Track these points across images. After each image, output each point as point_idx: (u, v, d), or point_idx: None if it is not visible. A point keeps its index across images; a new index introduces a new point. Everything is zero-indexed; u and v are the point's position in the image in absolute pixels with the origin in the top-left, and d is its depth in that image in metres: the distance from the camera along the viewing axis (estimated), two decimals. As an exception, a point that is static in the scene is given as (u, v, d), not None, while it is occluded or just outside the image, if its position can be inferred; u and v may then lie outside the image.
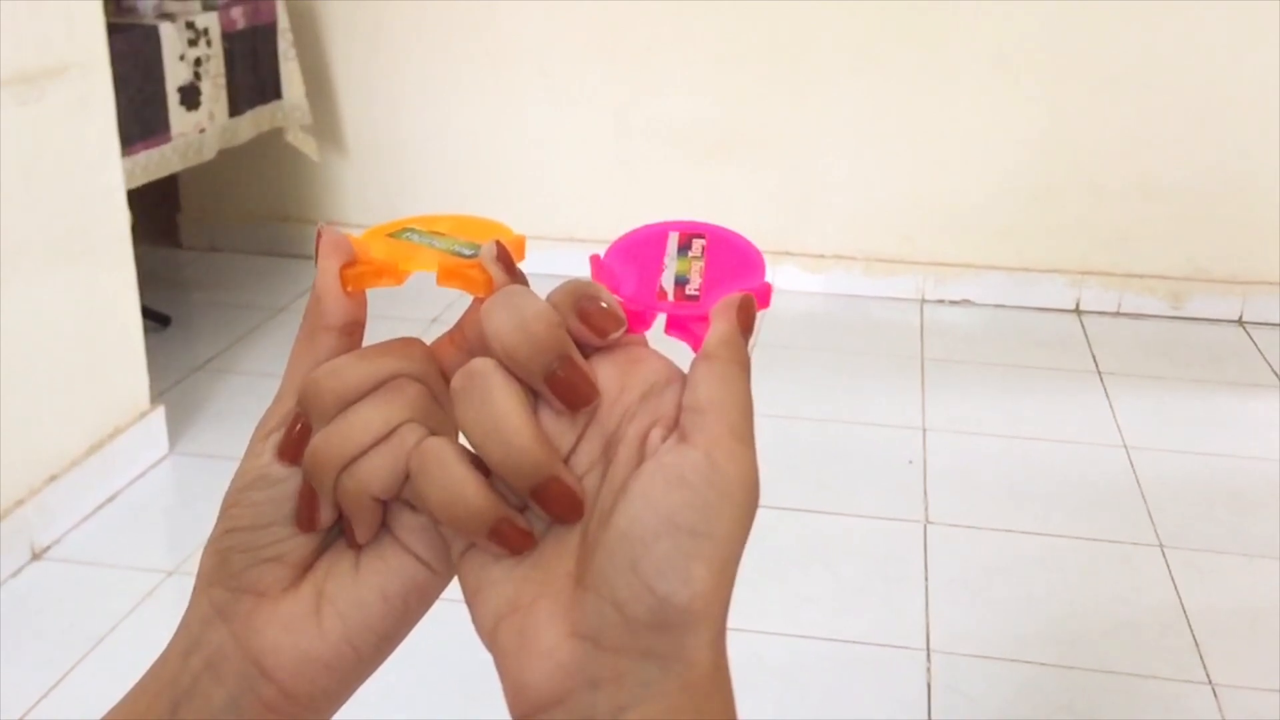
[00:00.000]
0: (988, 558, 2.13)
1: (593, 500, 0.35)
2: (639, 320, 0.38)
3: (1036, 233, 3.22)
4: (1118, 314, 3.21)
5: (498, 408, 0.34)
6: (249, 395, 2.63)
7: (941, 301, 3.27)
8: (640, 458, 0.34)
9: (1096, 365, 2.91)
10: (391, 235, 0.42)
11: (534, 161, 3.35)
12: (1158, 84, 3.05)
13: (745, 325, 0.36)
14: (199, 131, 2.69)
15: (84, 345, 2.17)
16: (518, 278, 0.39)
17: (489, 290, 0.38)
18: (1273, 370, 2.90)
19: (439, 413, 0.38)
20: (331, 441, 0.36)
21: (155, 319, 2.87)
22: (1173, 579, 2.05)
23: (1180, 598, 2.00)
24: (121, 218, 2.24)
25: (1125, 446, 2.50)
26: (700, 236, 0.40)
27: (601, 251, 0.40)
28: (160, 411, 2.37)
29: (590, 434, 0.36)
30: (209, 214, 3.54)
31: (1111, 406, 2.68)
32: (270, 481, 0.39)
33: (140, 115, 2.49)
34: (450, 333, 0.41)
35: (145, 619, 1.89)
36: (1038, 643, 1.90)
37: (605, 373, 0.36)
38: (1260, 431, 2.60)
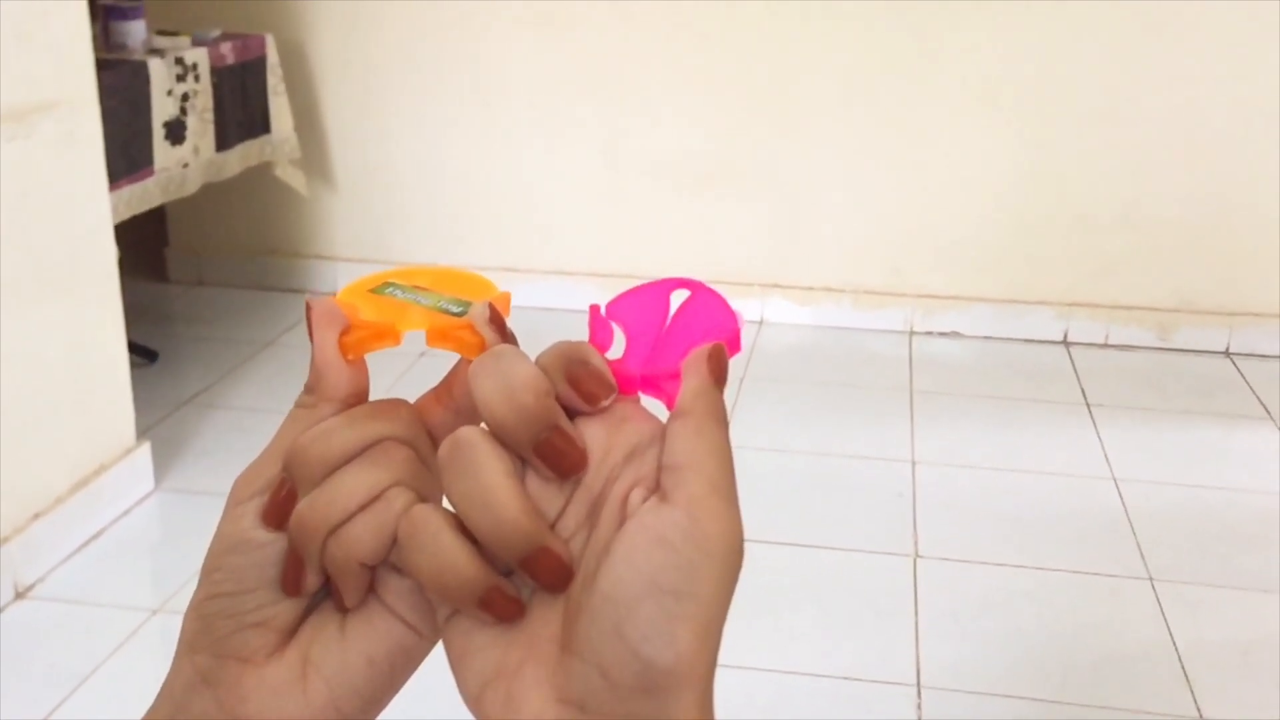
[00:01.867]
0: (978, 591, 2.12)
1: (578, 563, 0.35)
2: (629, 383, 0.37)
3: (1024, 265, 3.23)
4: (1105, 345, 3.22)
5: (486, 479, 0.34)
6: (236, 431, 2.62)
7: (930, 333, 3.28)
8: (623, 519, 0.34)
9: (1085, 397, 2.91)
10: (373, 291, 0.41)
11: (523, 194, 3.35)
12: (1143, 117, 3.07)
13: (718, 376, 0.36)
14: (182, 166, 2.69)
15: (70, 381, 2.16)
16: (509, 339, 0.38)
17: (481, 351, 0.38)
18: (1260, 402, 2.91)
19: (427, 475, 0.38)
20: (317, 507, 0.36)
21: (142, 354, 2.86)
22: (1163, 613, 2.05)
23: (1171, 632, 2.00)
24: (108, 253, 2.24)
25: (1114, 479, 2.50)
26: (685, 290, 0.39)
27: (599, 287, 0.39)
28: (146, 447, 2.35)
29: (577, 497, 0.35)
30: (197, 248, 3.54)
31: (1100, 438, 2.68)
32: (253, 546, 0.38)
33: (126, 150, 2.49)
34: (436, 390, 0.40)
35: (130, 658, 1.87)
36: (1028, 678, 1.89)
37: (592, 434, 0.36)
38: (1249, 463, 2.60)
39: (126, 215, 2.51)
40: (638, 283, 0.40)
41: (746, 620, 1.96)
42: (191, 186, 2.74)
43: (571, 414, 0.36)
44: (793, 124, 3.20)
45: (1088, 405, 2.86)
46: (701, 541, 0.33)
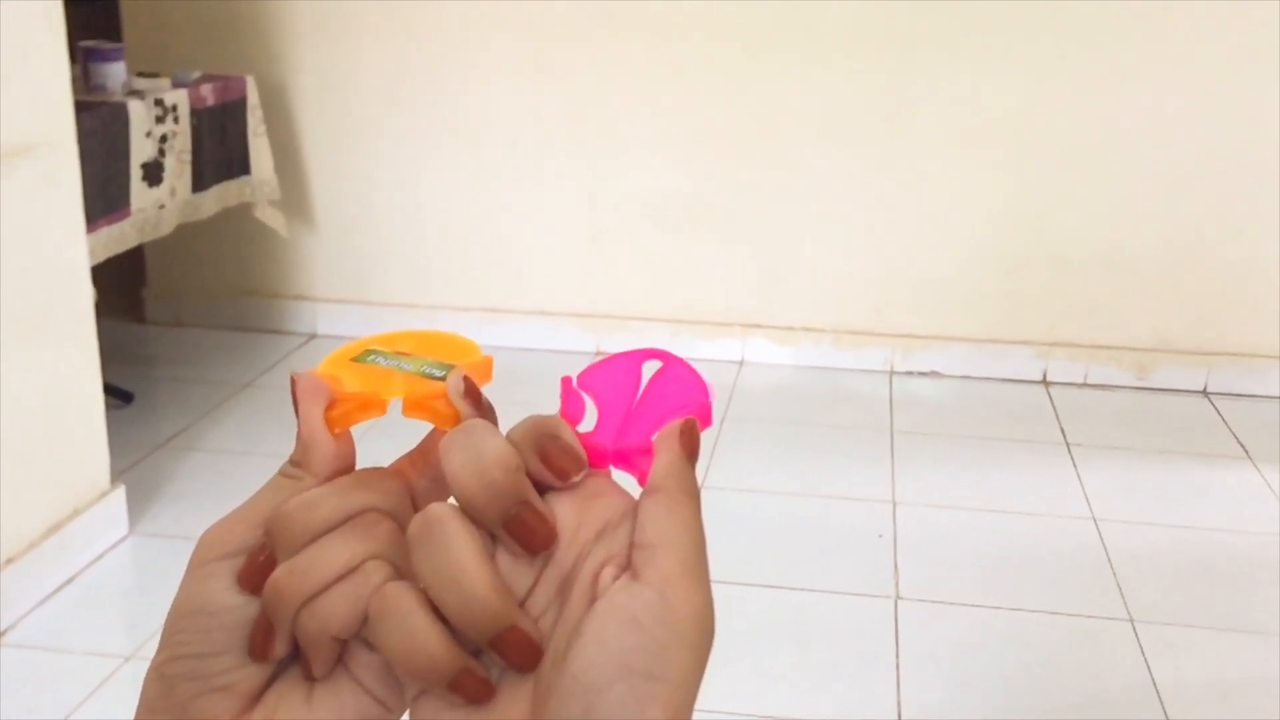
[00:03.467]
0: (959, 634, 2.11)
1: (548, 642, 0.34)
2: (601, 456, 0.37)
3: (1004, 305, 3.25)
4: (1084, 385, 3.23)
5: (455, 557, 0.33)
6: (212, 474, 2.60)
7: (910, 373, 3.28)
8: (593, 597, 0.34)
9: (1065, 437, 2.92)
10: (356, 360, 0.41)
11: (504, 236, 3.36)
12: (1120, 159, 3.10)
13: (690, 451, 0.36)
14: (158, 207, 2.68)
15: (44, 425, 2.14)
16: (484, 410, 0.38)
17: (456, 423, 0.38)
18: (1238, 441, 2.92)
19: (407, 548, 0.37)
20: (295, 576, 0.36)
21: (117, 396, 2.84)
22: (1144, 654, 2.04)
23: (1151, 673, 1.99)
24: (85, 295, 2.23)
25: (1094, 519, 2.50)
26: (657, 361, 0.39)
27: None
28: (120, 491, 2.33)
29: (547, 574, 0.35)
30: (175, 289, 3.52)
31: (1080, 478, 2.68)
32: (221, 609, 0.37)
33: (104, 192, 2.49)
34: (411, 455, 0.40)
35: (103, 705, 1.85)
36: (1010, 721, 1.88)
37: (563, 510, 0.36)
38: (1227, 503, 2.61)
39: (104, 257, 2.50)
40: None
41: (726, 664, 1.95)
42: (166, 227, 2.73)
43: (543, 489, 0.36)
44: (773, 166, 3.22)
45: (1067, 445, 2.87)
46: (673, 623, 0.33)
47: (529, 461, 0.35)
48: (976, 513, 2.54)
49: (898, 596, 2.20)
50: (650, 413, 0.37)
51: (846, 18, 3.09)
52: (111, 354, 2.51)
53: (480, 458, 0.34)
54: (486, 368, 0.40)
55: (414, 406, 0.39)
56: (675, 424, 0.36)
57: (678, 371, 0.38)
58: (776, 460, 2.76)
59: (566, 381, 0.38)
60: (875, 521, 2.47)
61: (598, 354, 3.31)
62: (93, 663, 1.94)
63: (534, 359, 3.27)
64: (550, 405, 0.38)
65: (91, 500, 2.25)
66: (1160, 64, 3.03)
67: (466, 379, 0.38)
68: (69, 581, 2.17)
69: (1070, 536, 2.44)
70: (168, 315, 3.53)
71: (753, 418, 2.98)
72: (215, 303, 3.50)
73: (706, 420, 0.37)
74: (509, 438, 0.35)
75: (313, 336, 3.45)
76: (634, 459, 0.37)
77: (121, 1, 3.32)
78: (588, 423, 0.38)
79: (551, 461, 0.35)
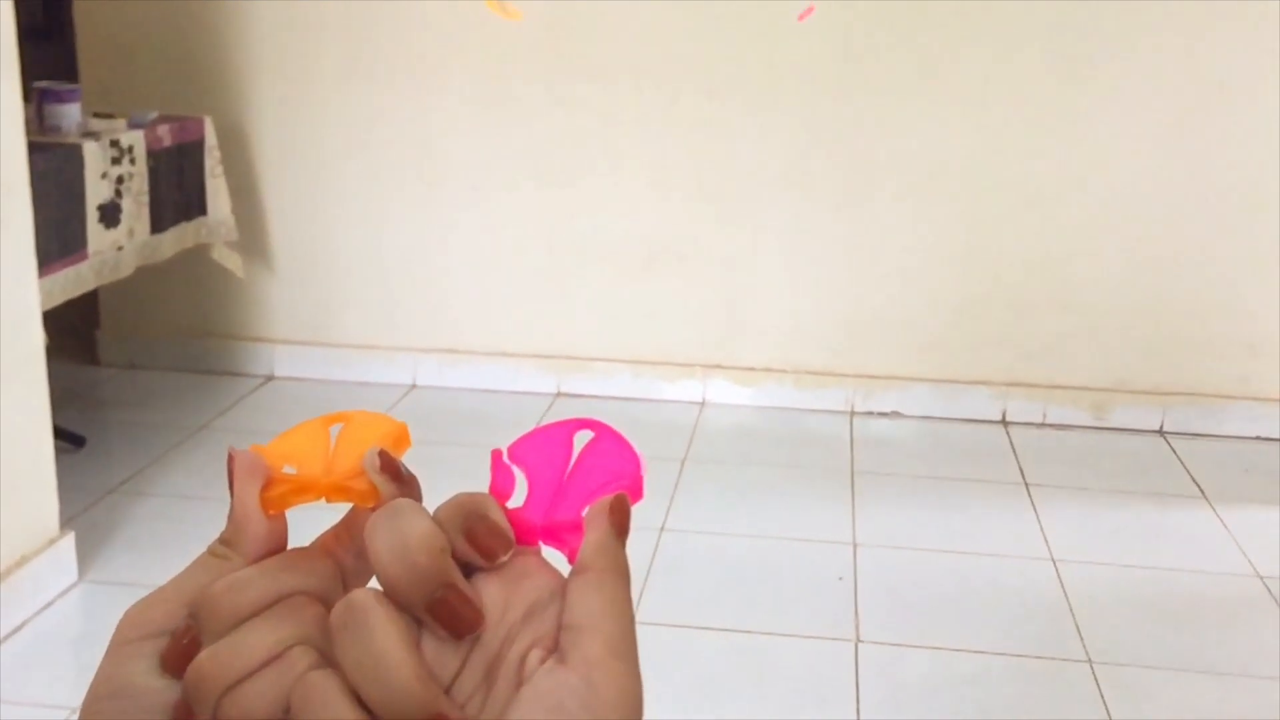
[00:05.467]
0: (919, 676, 2.11)
1: None
2: (530, 533, 0.36)
3: (962, 346, 3.27)
4: (1043, 425, 3.25)
5: (377, 646, 0.33)
6: (164, 519, 2.56)
7: (871, 413, 3.29)
8: (520, 681, 0.33)
9: (1024, 476, 2.93)
10: (294, 443, 0.41)
11: (465, 276, 3.35)
12: (1075, 201, 3.14)
13: (620, 528, 0.36)
14: (116, 249, 2.66)
15: (-9, 470, 2.10)
16: (405, 482, 0.38)
17: (377, 500, 0.37)
18: (1194, 480, 2.94)
19: None
20: (219, 660, 0.35)
21: (69, 440, 2.79)
22: (1102, 696, 2.04)
23: (1109, 714, 1.99)
24: (35, 338, 2.20)
25: (1053, 560, 2.51)
26: (588, 431, 0.39)
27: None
28: (70, 538, 2.29)
29: (474, 657, 0.35)
30: (129, 330, 3.48)
31: (1039, 519, 2.69)
32: (140, 691, 0.36)
33: (59, 234, 2.46)
34: (336, 530, 0.40)
35: (45, 760, 1.80)
36: (970, 766, 1.87)
37: (490, 591, 0.35)
38: (1183, 543, 2.62)
39: (61, 300, 2.47)
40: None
41: (684, 709, 1.93)
42: (126, 269, 2.71)
43: (470, 569, 0.35)
44: (733, 208, 3.24)
45: (1026, 485, 2.88)
46: (598, 708, 0.32)
47: (455, 542, 0.35)
48: (936, 554, 2.54)
49: (858, 640, 2.20)
50: (581, 487, 0.37)
51: (806, 64, 3.12)
52: (63, 397, 2.47)
53: (404, 541, 0.34)
54: (401, 437, 0.39)
55: (335, 491, 0.38)
56: (605, 500, 0.36)
57: (609, 443, 0.38)
58: (737, 502, 2.75)
59: (496, 455, 0.38)
60: (836, 563, 2.47)
61: (559, 395, 3.30)
62: (40, 714, 1.90)
63: (495, 400, 3.26)
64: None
65: (40, 547, 2.21)
66: (1114, 108, 3.07)
67: (383, 453, 0.38)
68: (16, 630, 2.12)
69: (1029, 578, 2.45)
70: (121, 357, 3.49)
71: (714, 459, 2.98)
72: (170, 344, 3.46)
73: (637, 494, 0.36)
74: (435, 517, 0.35)
75: (270, 378, 3.42)
76: (564, 535, 0.36)
77: (79, 41, 3.30)
78: (518, 496, 0.37)
79: (478, 542, 0.35)
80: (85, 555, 2.34)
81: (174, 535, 2.46)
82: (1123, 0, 3.00)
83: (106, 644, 0.37)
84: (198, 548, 0.38)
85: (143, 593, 0.38)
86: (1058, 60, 3.06)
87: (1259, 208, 3.08)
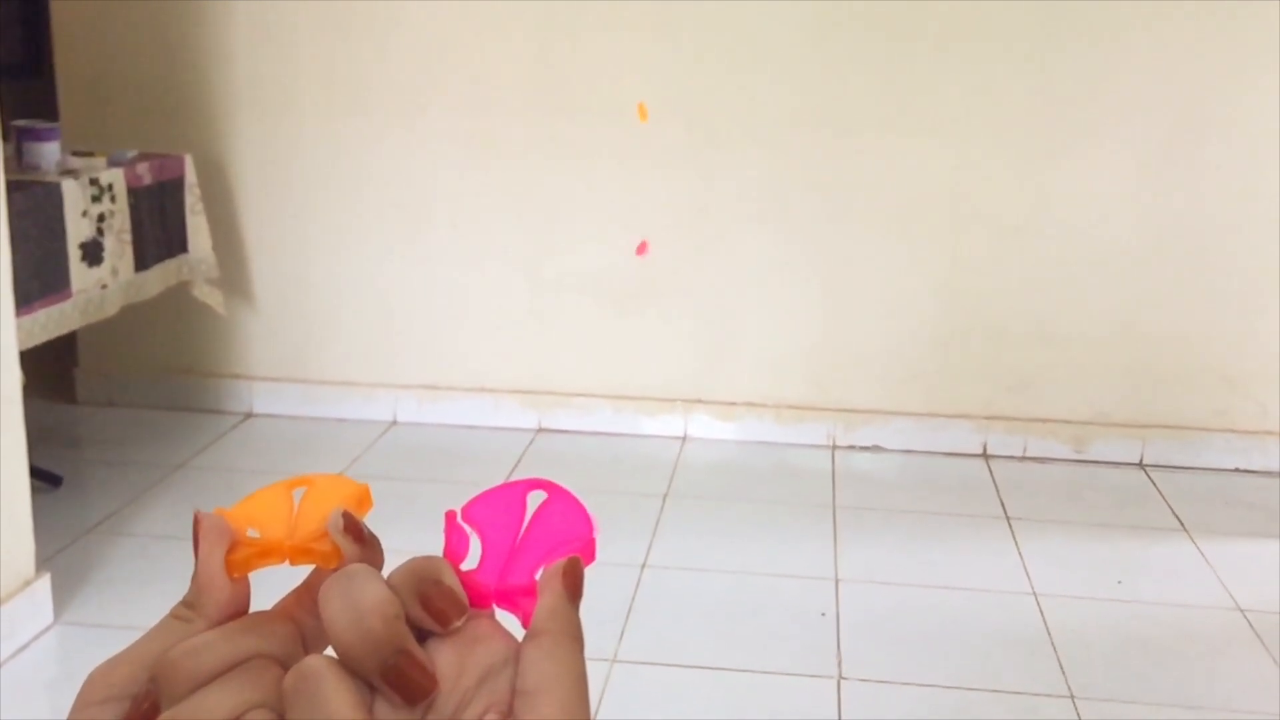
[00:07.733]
0: (902, 713, 2.10)
1: None
2: (484, 596, 0.37)
3: (943, 379, 3.28)
4: (1024, 458, 3.26)
5: (328, 712, 0.33)
6: (141, 559, 2.54)
7: (852, 447, 3.30)
8: None
9: (1005, 510, 2.94)
10: (259, 506, 0.41)
11: (445, 312, 3.35)
12: (1054, 234, 3.17)
13: (573, 591, 0.36)
14: (101, 288, 2.65)
15: (-34, 511, 2.08)
16: (367, 543, 0.38)
17: (340, 560, 0.38)
18: (1174, 513, 2.95)
19: None
20: None
21: (45, 479, 2.77)
22: (1086, 731, 2.04)
23: (1094, 751, 1.99)
24: (12, 376, 2.18)
25: (1034, 594, 2.51)
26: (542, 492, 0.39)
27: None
28: (46, 579, 2.26)
29: None
30: (107, 368, 3.47)
31: (1020, 553, 2.70)
32: None
33: (40, 272, 2.45)
34: (298, 592, 0.40)
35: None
36: (955, 803, 1.86)
37: (444, 656, 0.35)
38: (1163, 577, 2.63)
39: (44, 339, 2.46)
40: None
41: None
42: (111, 308, 2.70)
43: (424, 634, 0.35)
44: (713, 243, 3.25)
45: (1007, 519, 2.89)
46: None
47: (409, 607, 0.35)
48: (919, 589, 2.54)
49: (840, 677, 2.19)
50: (534, 549, 0.37)
51: (784, 98, 3.14)
52: (40, 435, 2.45)
53: (357, 606, 0.34)
54: (363, 497, 0.39)
55: (299, 554, 0.39)
56: (559, 564, 0.36)
57: (562, 505, 0.38)
58: (719, 537, 2.74)
59: (450, 516, 0.38)
60: (818, 599, 2.46)
61: (540, 430, 3.30)
62: (12, 760, 1.87)
63: (476, 436, 3.25)
64: (490, 482, 0.38)
65: (15, 589, 2.18)
66: (1093, 142, 3.11)
67: (346, 514, 0.38)
68: (-11, 674, 2.09)
69: (1011, 612, 2.44)
70: (99, 395, 3.47)
71: (695, 494, 2.97)
72: (148, 382, 3.44)
73: (590, 556, 0.37)
74: (389, 582, 0.35)
75: (249, 415, 3.40)
76: (517, 599, 0.36)
77: (59, 79, 3.30)
78: (472, 559, 0.37)
79: (432, 606, 0.35)
80: (61, 597, 2.32)
81: (152, 575, 2.43)
82: (1102, 35, 3.04)
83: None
84: (177, 588, 0.38)
85: (119, 635, 0.38)
86: (1037, 95, 3.09)
87: (1236, 241, 3.12)
